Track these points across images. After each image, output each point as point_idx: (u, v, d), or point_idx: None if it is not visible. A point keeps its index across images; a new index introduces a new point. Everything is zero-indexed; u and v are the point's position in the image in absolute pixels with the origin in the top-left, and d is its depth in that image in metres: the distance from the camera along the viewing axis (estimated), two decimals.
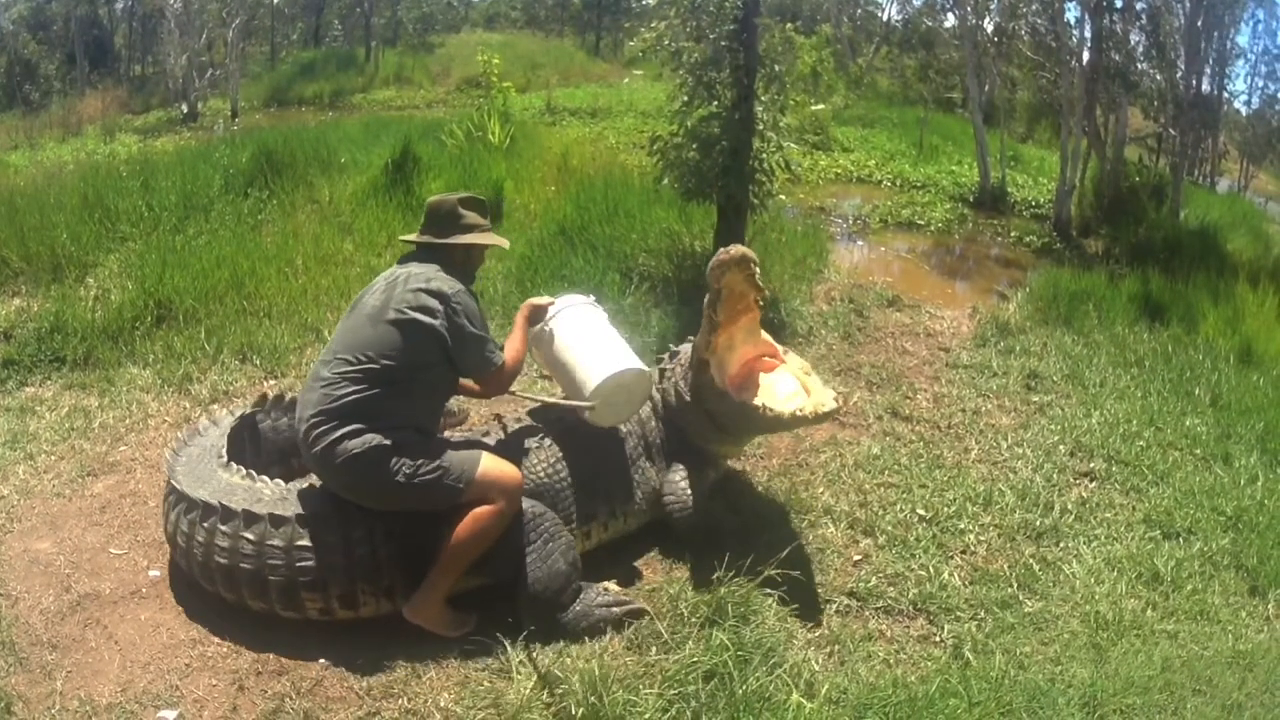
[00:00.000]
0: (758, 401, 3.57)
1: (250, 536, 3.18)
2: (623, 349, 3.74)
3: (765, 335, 3.88)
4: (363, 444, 3.11)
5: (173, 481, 3.41)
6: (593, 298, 3.94)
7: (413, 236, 3.50)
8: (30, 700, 2.94)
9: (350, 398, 3.14)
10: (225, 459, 3.55)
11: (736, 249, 3.49)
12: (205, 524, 3.23)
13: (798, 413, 3.48)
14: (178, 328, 5.69)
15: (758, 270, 3.54)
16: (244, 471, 3.45)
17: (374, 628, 3.24)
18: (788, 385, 3.71)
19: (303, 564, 3.16)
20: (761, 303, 3.69)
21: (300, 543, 3.17)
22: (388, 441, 3.13)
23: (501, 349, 3.43)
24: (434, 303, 3.21)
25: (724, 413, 3.72)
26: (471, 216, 3.45)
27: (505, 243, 3.63)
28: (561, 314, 3.76)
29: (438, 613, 3.23)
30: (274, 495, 3.31)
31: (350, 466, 3.12)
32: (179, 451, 3.62)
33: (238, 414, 3.92)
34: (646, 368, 3.79)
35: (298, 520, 3.20)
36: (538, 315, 3.75)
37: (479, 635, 3.23)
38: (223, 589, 3.26)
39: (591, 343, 3.70)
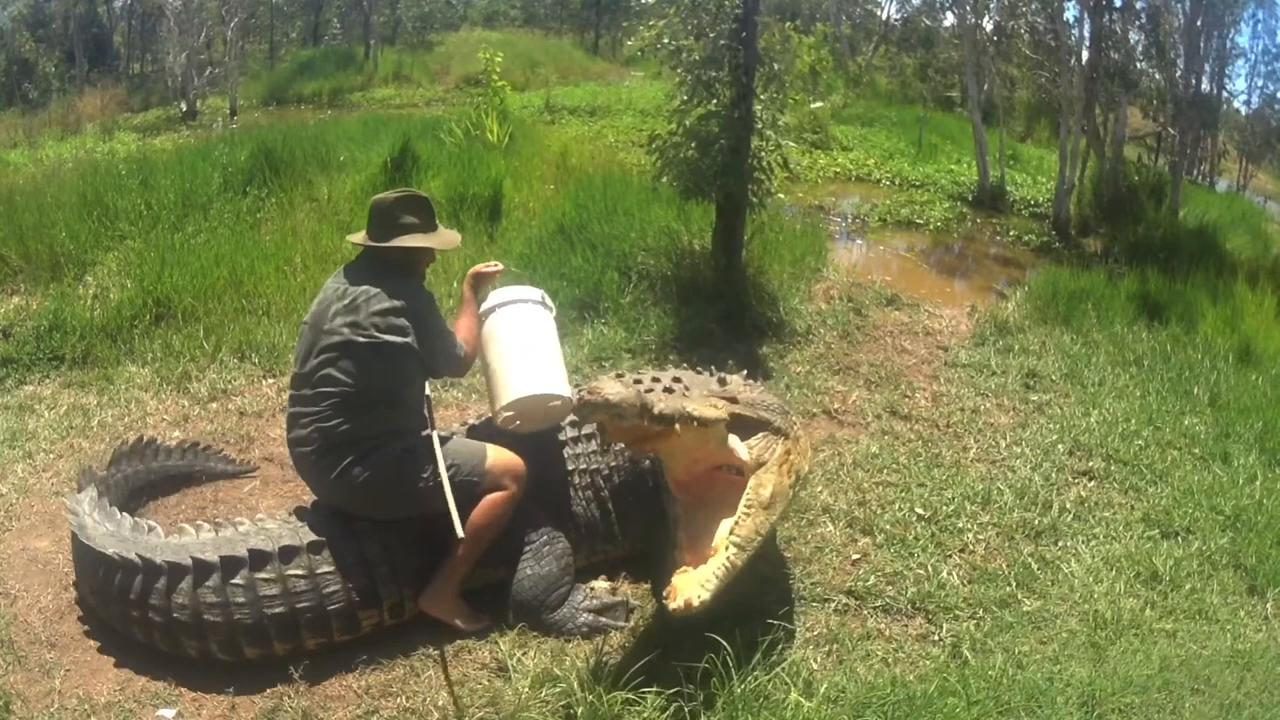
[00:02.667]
0: (682, 534, 3.08)
1: (298, 572, 3.06)
2: (552, 366, 3.46)
3: (734, 444, 3.16)
4: (374, 464, 3.16)
5: (159, 561, 3.01)
6: (542, 293, 3.67)
7: (357, 238, 3.39)
8: (29, 699, 2.94)
9: (344, 427, 3.16)
10: (148, 523, 3.31)
11: (596, 393, 2.71)
12: (237, 579, 3.00)
13: (673, 576, 2.93)
14: (176, 326, 5.70)
15: (636, 410, 2.72)
16: (206, 525, 3.25)
17: None
18: (722, 532, 3.06)
19: (355, 584, 3.11)
20: (697, 424, 2.91)
21: (348, 562, 3.12)
22: (398, 454, 3.19)
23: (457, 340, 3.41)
24: (402, 321, 3.20)
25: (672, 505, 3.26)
26: (409, 218, 3.30)
27: (453, 241, 3.49)
28: (505, 309, 3.56)
29: (453, 604, 3.25)
30: (283, 526, 3.21)
31: (370, 487, 3.16)
32: (100, 538, 3.14)
33: (89, 485, 3.49)
34: (568, 393, 3.39)
35: (331, 543, 3.13)
36: (482, 283, 3.62)
37: (477, 635, 3.24)
38: (277, 642, 3.03)
39: (521, 351, 3.45)
